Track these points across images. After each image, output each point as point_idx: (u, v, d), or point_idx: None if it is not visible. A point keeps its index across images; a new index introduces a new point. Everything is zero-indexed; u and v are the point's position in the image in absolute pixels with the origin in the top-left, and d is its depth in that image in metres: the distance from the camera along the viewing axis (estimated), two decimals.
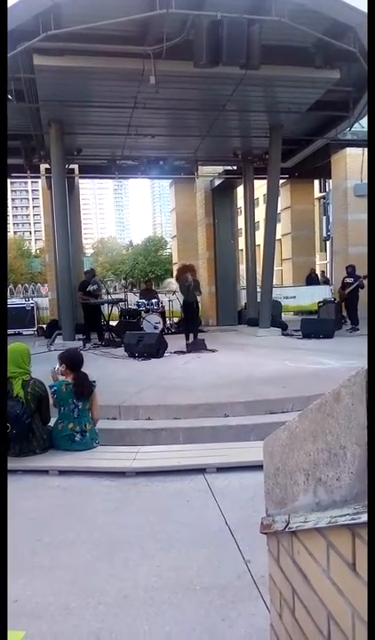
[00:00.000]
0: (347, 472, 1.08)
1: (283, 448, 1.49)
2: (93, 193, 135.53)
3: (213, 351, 10.00)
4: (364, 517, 0.98)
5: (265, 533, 1.63)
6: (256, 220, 15.50)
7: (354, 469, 1.05)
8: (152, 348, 9.45)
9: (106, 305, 13.19)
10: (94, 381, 4.90)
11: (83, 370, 4.93)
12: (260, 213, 16.77)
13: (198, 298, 11.44)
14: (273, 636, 1.67)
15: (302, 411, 1.37)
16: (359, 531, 1.02)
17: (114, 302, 13.46)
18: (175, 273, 12.96)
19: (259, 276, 13.96)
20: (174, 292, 14.81)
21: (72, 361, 4.88)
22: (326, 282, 19.39)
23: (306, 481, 1.30)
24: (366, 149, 14.97)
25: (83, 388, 4.74)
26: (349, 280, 13.04)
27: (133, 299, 15.08)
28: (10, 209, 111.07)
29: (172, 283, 16.69)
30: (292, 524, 1.37)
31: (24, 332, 15.32)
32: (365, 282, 12.66)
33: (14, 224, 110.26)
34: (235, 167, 15.69)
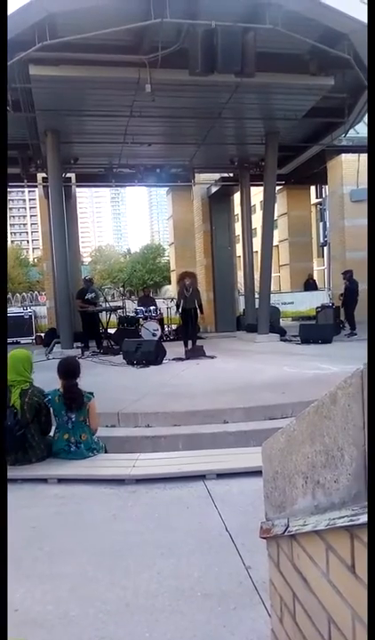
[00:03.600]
0: (344, 474, 1.08)
1: (281, 452, 1.49)
2: (90, 201, 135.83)
3: (212, 357, 10.01)
4: (363, 519, 0.98)
5: (264, 538, 1.63)
6: (253, 227, 15.56)
7: (351, 471, 1.05)
8: (150, 355, 9.45)
9: (104, 313, 13.20)
10: (91, 393, 4.76)
11: (79, 380, 4.78)
12: (257, 220, 16.82)
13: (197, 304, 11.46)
14: None
15: (300, 414, 1.37)
16: (358, 532, 1.02)
17: (112, 310, 13.47)
18: (176, 279, 13.02)
19: (257, 282, 13.98)
20: (173, 299, 14.83)
21: (62, 369, 4.75)
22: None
23: (304, 484, 1.30)
24: (362, 155, 15.06)
25: (72, 400, 4.58)
26: (346, 285, 13.09)
27: (131, 306, 15.09)
28: (7, 218, 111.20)
29: (171, 289, 16.76)
30: (292, 527, 1.37)
31: (22, 341, 15.31)
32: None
33: (12, 233, 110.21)
34: (231, 174, 15.74)
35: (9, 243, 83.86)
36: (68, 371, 4.74)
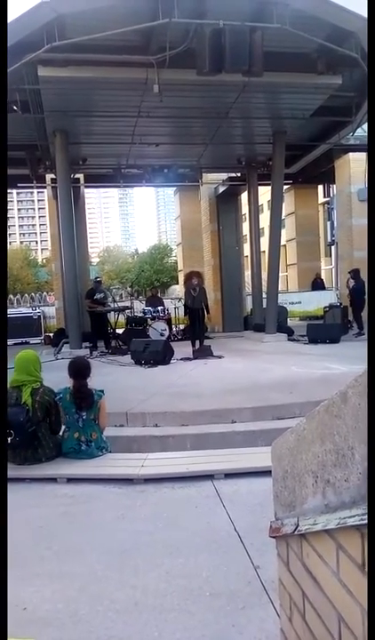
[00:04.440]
0: (355, 473, 1.08)
1: (290, 451, 1.49)
2: (99, 202, 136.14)
3: (220, 357, 10.00)
4: None
5: (274, 537, 1.63)
6: (261, 227, 15.53)
7: (362, 470, 1.05)
8: (158, 355, 9.46)
9: (112, 313, 13.22)
10: (101, 391, 4.83)
11: (89, 380, 4.83)
12: (265, 219, 16.78)
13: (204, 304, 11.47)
14: None
15: (309, 413, 1.37)
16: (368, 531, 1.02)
17: (120, 310, 13.50)
18: (183, 279, 13.02)
19: (264, 282, 13.96)
20: (180, 299, 14.84)
21: (72, 369, 4.80)
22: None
23: (314, 483, 1.30)
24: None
25: (82, 399, 4.64)
26: (352, 283, 13.05)
27: (139, 306, 15.11)
28: (16, 219, 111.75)
29: (178, 289, 16.78)
30: (301, 526, 1.36)
31: (31, 341, 15.37)
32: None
33: (20, 234, 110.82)
34: (238, 174, 15.73)
35: (18, 243, 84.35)
36: (78, 371, 4.77)
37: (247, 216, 15.97)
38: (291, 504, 1.48)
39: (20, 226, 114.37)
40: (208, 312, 11.75)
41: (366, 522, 1.01)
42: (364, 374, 1.06)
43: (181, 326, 15.07)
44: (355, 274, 13.02)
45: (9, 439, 4.30)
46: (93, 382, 4.95)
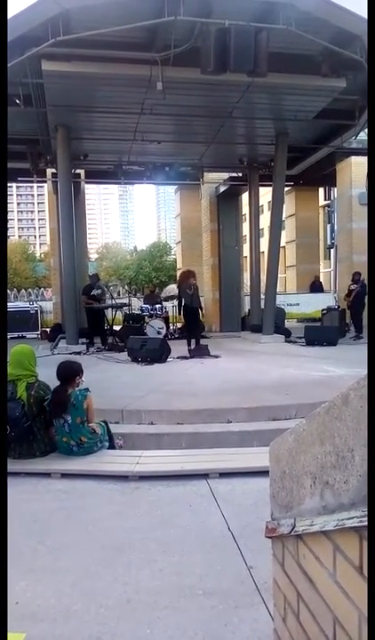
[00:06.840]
0: (355, 475, 1.08)
1: (289, 452, 1.49)
2: (99, 198, 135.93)
3: (216, 357, 10.00)
4: None
5: (270, 537, 1.63)
6: (260, 227, 15.52)
7: (362, 472, 1.05)
8: (155, 353, 9.46)
9: (109, 309, 13.21)
10: (86, 389, 4.67)
11: (81, 380, 4.72)
12: (265, 220, 16.79)
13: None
14: None
15: (309, 414, 1.37)
16: (366, 533, 1.02)
17: (118, 307, 13.48)
18: (178, 279, 12.99)
19: (263, 283, 13.97)
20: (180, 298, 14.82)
21: (57, 370, 4.69)
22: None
23: (312, 484, 1.30)
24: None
25: (54, 403, 4.49)
26: (354, 287, 13.07)
27: (137, 304, 15.10)
28: (15, 213, 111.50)
29: (173, 290, 16.65)
30: (298, 527, 1.36)
31: (28, 336, 15.35)
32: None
33: (19, 228, 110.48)
34: (240, 174, 15.72)
35: (16, 237, 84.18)
36: (59, 374, 4.67)
37: (247, 216, 15.96)
38: (289, 505, 1.48)
39: (19, 220, 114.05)
40: (202, 309, 11.77)
41: (365, 524, 1.01)
42: (366, 377, 1.06)
43: (179, 325, 15.06)
44: (358, 278, 13.05)
45: None
46: (90, 379, 4.95)
